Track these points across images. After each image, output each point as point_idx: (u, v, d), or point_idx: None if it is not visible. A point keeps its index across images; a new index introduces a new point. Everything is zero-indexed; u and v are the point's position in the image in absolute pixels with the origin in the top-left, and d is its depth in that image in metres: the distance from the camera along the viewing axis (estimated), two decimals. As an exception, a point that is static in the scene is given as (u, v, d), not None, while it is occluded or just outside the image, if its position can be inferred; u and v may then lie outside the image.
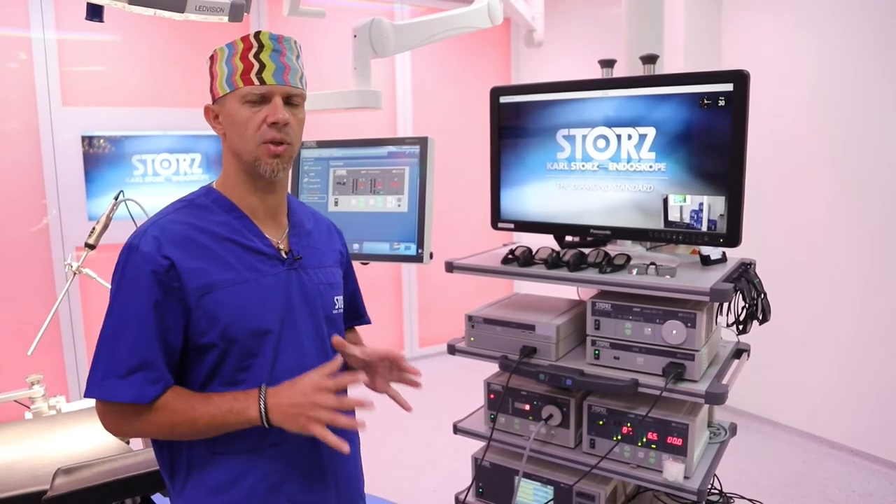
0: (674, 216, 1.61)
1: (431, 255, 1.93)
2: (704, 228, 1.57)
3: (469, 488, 1.86)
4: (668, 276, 1.54)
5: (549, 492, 1.72)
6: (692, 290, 1.46)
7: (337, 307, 1.30)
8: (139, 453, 1.84)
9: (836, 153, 3.31)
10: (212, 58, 1.20)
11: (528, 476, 1.75)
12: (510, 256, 1.77)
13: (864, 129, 3.18)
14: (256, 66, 1.14)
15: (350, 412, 1.17)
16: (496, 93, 1.84)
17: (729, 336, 1.76)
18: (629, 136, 1.64)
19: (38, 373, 2.49)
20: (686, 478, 1.52)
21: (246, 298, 1.14)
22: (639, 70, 1.84)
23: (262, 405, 1.08)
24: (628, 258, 1.68)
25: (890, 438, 3.16)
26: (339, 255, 1.38)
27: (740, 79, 1.48)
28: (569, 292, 1.83)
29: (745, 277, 1.59)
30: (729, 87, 1.49)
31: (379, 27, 1.98)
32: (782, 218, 3.57)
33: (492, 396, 1.80)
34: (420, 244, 1.92)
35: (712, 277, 1.52)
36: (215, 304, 1.11)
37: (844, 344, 3.34)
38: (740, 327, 1.65)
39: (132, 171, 3.90)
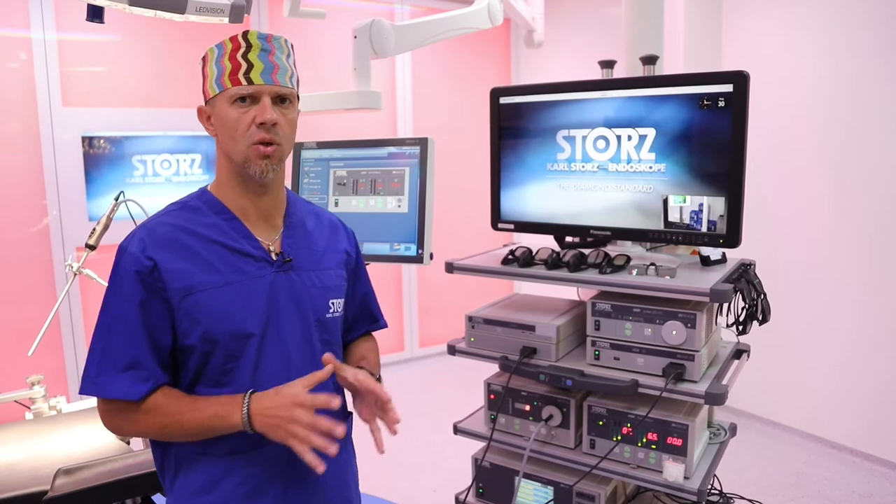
0: (674, 217, 1.61)
1: (431, 256, 1.93)
2: (704, 229, 1.57)
3: (469, 489, 1.86)
4: (667, 277, 1.54)
5: (549, 492, 1.72)
6: (692, 290, 1.46)
7: (331, 311, 1.26)
8: (139, 454, 1.84)
9: (835, 153, 3.31)
10: (204, 59, 1.19)
11: (528, 476, 1.75)
12: (510, 257, 1.77)
13: (864, 130, 3.18)
14: (244, 65, 1.13)
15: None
16: (496, 93, 1.84)
17: (729, 336, 1.76)
18: (629, 137, 1.64)
19: (39, 373, 2.49)
20: (686, 478, 1.52)
21: (227, 301, 1.13)
22: (639, 71, 1.84)
23: (246, 411, 1.08)
24: (628, 259, 1.68)
25: (890, 438, 3.16)
26: (343, 256, 1.34)
27: (740, 80, 1.48)
28: (569, 293, 1.83)
29: (744, 278, 1.59)
30: (729, 87, 1.49)
31: (379, 28, 1.99)
32: (782, 218, 3.57)
33: (492, 397, 1.80)
34: (420, 245, 1.92)
35: (712, 278, 1.52)
36: (196, 306, 1.11)
37: (844, 344, 3.34)
38: (740, 328, 1.65)
39: (132, 172, 3.91)
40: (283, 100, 1.17)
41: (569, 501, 1.68)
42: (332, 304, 1.26)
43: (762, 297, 1.63)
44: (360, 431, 1.26)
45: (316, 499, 1.23)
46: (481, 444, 1.82)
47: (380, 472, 3.26)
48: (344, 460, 1.29)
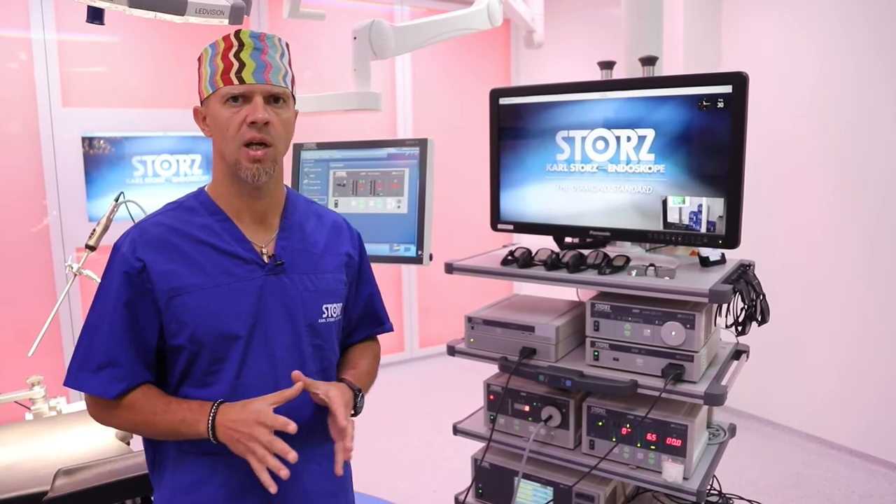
0: (673, 218, 1.61)
1: (431, 257, 1.93)
2: (703, 230, 1.58)
3: (469, 489, 1.86)
4: (667, 278, 1.54)
5: (548, 493, 1.72)
6: (691, 291, 1.46)
7: (325, 316, 1.24)
8: (139, 454, 1.84)
9: (835, 154, 3.31)
10: (199, 59, 1.18)
11: (527, 477, 1.75)
12: (510, 258, 1.77)
13: (863, 130, 3.19)
14: (236, 65, 1.12)
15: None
16: (496, 94, 1.84)
17: (728, 337, 1.76)
18: (628, 138, 1.64)
19: (39, 374, 2.49)
20: (685, 479, 1.52)
21: (215, 303, 1.13)
22: (638, 72, 1.84)
23: (211, 421, 1.08)
24: (627, 259, 1.69)
25: (890, 439, 3.16)
26: (344, 258, 1.31)
27: (739, 80, 1.48)
28: (568, 293, 1.83)
29: (743, 279, 1.59)
30: (728, 88, 1.50)
31: (379, 29, 1.99)
32: (782, 219, 3.57)
33: (491, 397, 1.80)
34: (420, 246, 1.92)
35: (711, 279, 1.53)
36: (184, 307, 1.11)
37: (844, 345, 3.34)
38: (739, 328, 1.65)
39: (132, 172, 3.91)
40: (277, 99, 1.15)
41: (568, 502, 1.69)
42: (327, 308, 1.24)
43: (761, 297, 1.63)
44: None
45: None
46: (481, 445, 1.82)
47: (380, 472, 3.26)
48: (330, 468, 1.24)
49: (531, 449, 1.70)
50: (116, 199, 2.43)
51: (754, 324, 1.64)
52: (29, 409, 2.41)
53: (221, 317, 1.13)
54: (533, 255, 1.76)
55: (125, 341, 1.11)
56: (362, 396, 1.25)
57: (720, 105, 1.51)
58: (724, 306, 1.62)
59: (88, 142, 3.77)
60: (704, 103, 1.53)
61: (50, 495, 1.64)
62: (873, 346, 3.21)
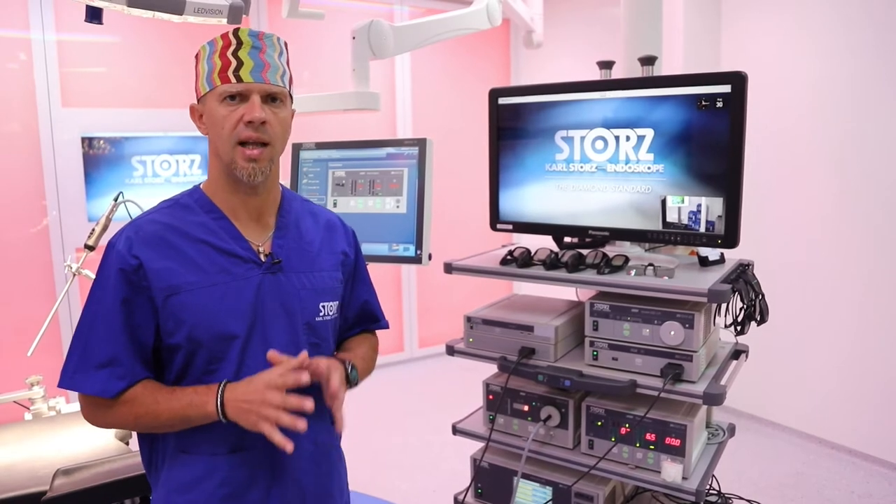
0: (672, 217, 1.61)
1: (430, 257, 1.93)
2: (702, 229, 1.57)
3: (468, 489, 1.86)
4: (666, 278, 1.54)
5: (547, 492, 1.72)
6: (690, 291, 1.46)
7: (322, 314, 1.24)
8: (138, 454, 1.83)
9: (835, 153, 3.31)
10: (196, 56, 1.18)
11: (526, 477, 1.75)
12: (509, 257, 1.77)
13: (863, 130, 3.19)
14: (234, 63, 1.11)
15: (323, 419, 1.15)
16: (495, 94, 1.84)
17: (727, 337, 1.76)
18: (627, 138, 1.64)
19: (38, 374, 2.49)
20: (684, 478, 1.52)
21: (212, 302, 1.12)
22: (637, 71, 1.84)
23: (219, 399, 1.07)
24: (626, 259, 1.69)
25: (889, 439, 3.16)
26: (340, 257, 1.31)
27: (738, 80, 1.48)
28: (567, 293, 1.83)
29: (743, 278, 1.59)
30: (727, 88, 1.50)
31: (378, 29, 1.99)
32: (781, 219, 3.57)
33: (490, 397, 1.80)
34: (419, 245, 1.92)
35: (710, 278, 1.53)
36: (181, 306, 1.11)
37: (843, 345, 3.34)
38: (738, 328, 1.65)
39: (132, 173, 3.91)
40: (274, 98, 1.15)
41: (567, 502, 1.69)
42: (323, 307, 1.24)
43: (760, 297, 1.63)
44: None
45: None
46: (480, 445, 1.82)
47: (379, 472, 3.26)
48: (327, 468, 1.26)
49: (530, 449, 1.70)
50: (115, 199, 2.43)
51: (753, 323, 1.64)
52: (28, 408, 2.41)
53: (220, 316, 1.12)
54: (532, 254, 1.75)
55: (124, 339, 1.10)
56: (353, 367, 1.25)
57: (719, 105, 1.51)
58: (724, 306, 1.62)
59: (88, 142, 3.77)
60: (703, 103, 1.53)
61: (49, 495, 1.64)
62: (873, 346, 3.21)
